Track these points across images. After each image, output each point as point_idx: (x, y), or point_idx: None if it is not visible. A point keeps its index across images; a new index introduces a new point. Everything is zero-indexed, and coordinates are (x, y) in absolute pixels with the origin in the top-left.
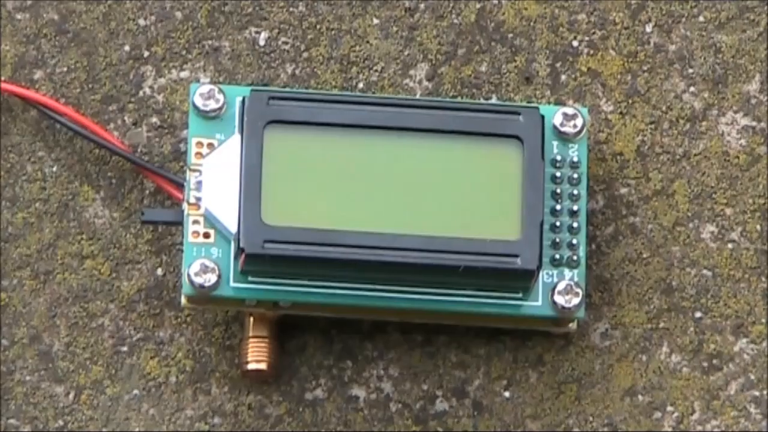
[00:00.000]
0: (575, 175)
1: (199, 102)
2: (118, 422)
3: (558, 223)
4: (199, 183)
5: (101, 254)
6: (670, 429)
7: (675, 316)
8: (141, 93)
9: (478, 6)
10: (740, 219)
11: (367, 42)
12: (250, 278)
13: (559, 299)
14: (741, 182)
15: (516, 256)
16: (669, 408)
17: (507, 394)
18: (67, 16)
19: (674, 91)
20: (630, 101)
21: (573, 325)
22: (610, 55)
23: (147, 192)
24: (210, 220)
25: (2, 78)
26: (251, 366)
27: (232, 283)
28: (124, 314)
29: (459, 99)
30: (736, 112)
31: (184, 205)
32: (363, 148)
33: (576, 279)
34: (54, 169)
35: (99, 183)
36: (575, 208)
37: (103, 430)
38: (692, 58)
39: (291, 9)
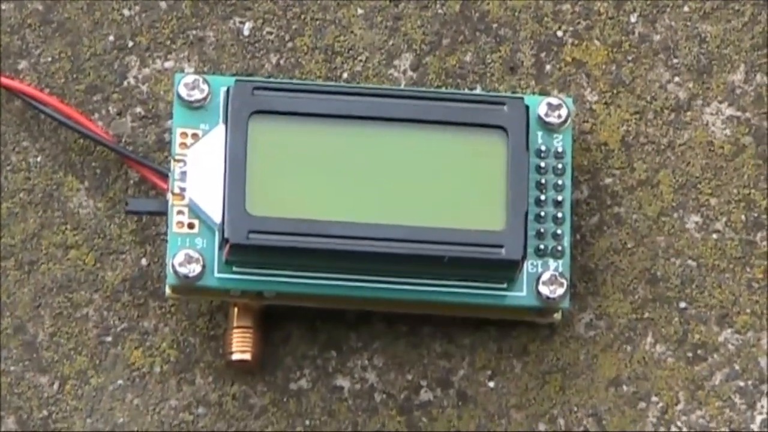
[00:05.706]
0: (560, 166)
1: (183, 92)
2: (102, 412)
3: (543, 214)
4: (184, 173)
5: (85, 244)
6: (654, 419)
7: (660, 306)
8: (125, 83)
9: None
10: (725, 209)
11: (352, 32)
12: (234, 268)
13: (544, 289)
14: (726, 172)
15: (501, 246)
16: (654, 398)
17: (491, 384)
18: (52, 6)
19: (659, 81)
20: (615, 91)
21: (558, 316)
22: (594, 45)
23: (131, 182)
24: (194, 210)
25: None
26: (236, 356)
27: (216, 274)
28: (108, 304)
29: (443, 89)
30: (720, 102)
31: (169, 196)
32: (348, 138)
33: (561, 269)
34: (38, 159)
35: (83, 173)
36: (560, 198)
37: (88, 420)
38: (677, 48)
39: None
